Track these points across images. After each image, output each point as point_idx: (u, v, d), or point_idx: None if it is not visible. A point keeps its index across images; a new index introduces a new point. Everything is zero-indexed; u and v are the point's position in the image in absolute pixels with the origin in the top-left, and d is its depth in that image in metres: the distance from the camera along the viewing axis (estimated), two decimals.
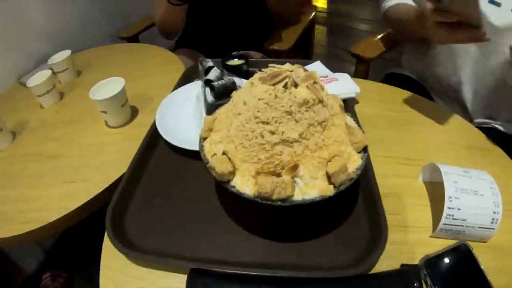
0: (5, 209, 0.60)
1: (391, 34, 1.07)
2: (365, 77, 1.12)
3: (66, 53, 0.96)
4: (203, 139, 0.45)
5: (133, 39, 1.32)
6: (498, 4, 0.70)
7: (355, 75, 1.12)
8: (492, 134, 0.66)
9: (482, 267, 0.41)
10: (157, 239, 0.45)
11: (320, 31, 3.51)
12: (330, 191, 0.37)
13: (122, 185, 0.51)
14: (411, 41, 0.98)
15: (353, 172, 0.40)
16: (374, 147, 0.56)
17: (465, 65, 0.79)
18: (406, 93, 0.75)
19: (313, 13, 1.41)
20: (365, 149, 0.43)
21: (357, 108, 0.70)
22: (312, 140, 0.37)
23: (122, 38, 1.32)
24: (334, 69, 0.79)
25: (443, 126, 0.67)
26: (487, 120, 0.82)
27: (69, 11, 1.31)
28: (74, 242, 1.35)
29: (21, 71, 1.11)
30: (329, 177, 0.38)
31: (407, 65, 1.01)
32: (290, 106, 0.36)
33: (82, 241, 1.34)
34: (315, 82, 0.38)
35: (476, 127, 0.68)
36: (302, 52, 1.51)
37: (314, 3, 4.62)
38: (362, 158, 0.42)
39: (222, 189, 0.48)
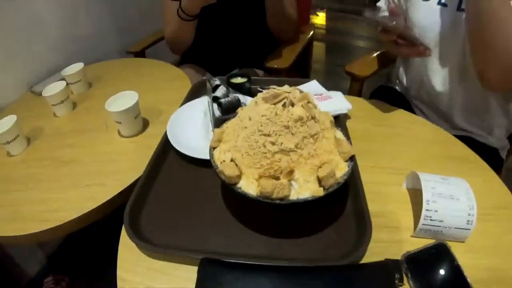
0: (23, 209, 0.66)
1: (386, 52, 1.16)
2: (359, 92, 1.21)
3: (79, 65, 1.04)
4: (213, 148, 0.52)
5: (140, 53, 1.41)
6: (445, 5, 0.81)
7: (349, 91, 1.21)
8: (473, 145, 0.74)
9: (459, 263, 0.46)
10: (169, 234, 0.52)
11: (319, 48, 3.64)
12: (320, 192, 0.45)
13: (138, 187, 0.58)
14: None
15: (341, 177, 0.48)
16: (363, 158, 0.63)
17: (437, 74, 0.88)
18: (393, 109, 0.84)
19: (311, 32, 1.50)
20: (352, 158, 0.51)
21: (349, 122, 0.78)
22: (305, 150, 0.45)
23: (130, 52, 1.41)
24: (331, 85, 0.87)
25: (426, 138, 0.75)
26: (469, 131, 0.90)
27: (81, 24, 1.40)
28: (76, 248, 1.40)
29: (32, 80, 1.19)
30: (319, 180, 0.46)
31: (394, 79, 1.11)
32: (288, 121, 0.44)
33: (84, 246, 1.40)
34: (308, 102, 0.46)
35: (458, 137, 0.76)
36: (301, 69, 1.59)
37: (314, 21, 4.77)
38: (348, 166, 0.50)
39: (227, 192, 0.56)
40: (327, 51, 3.64)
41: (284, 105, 0.46)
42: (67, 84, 1.00)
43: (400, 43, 0.74)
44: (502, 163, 0.94)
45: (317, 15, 4.78)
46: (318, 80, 0.91)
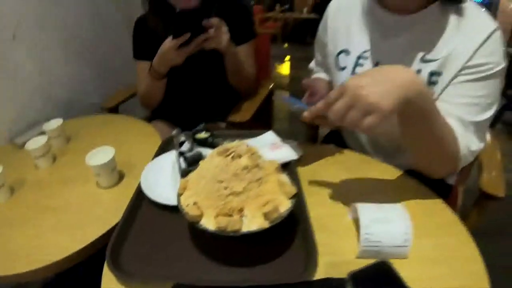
0: (10, 249, 0.75)
1: None
2: (315, 137, 1.37)
3: (59, 121, 1.16)
4: (179, 194, 0.65)
5: (114, 109, 1.55)
6: (344, 68, 0.99)
7: (306, 137, 1.37)
8: (419, 175, 0.86)
9: (401, 276, 0.53)
10: (147, 266, 0.62)
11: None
12: (266, 225, 0.58)
13: (118, 228, 0.68)
14: None
15: (284, 211, 0.61)
16: (313, 195, 0.77)
17: None
18: (340, 150, 1.00)
19: (271, 85, 1.69)
20: (295, 196, 0.65)
21: (301, 165, 0.91)
22: (252, 191, 0.59)
23: (104, 108, 1.55)
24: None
25: (372, 174, 0.89)
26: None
27: (59, 81, 1.57)
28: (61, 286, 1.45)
29: (12, 133, 1.30)
30: (265, 215, 0.59)
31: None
32: (236, 170, 0.58)
33: (69, 284, 1.45)
34: (253, 154, 0.60)
35: (406, 171, 0.90)
36: (263, 119, 1.73)
37: (278, 70, 5.11)
38: (291, 203, 0.63)
39: (193, 229, 0.67)
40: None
41: (233, 157, 0.60)
42: (48, 138, 1.09)
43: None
44: (450, 188, 1.09)
45: (282, 64, 5.14)
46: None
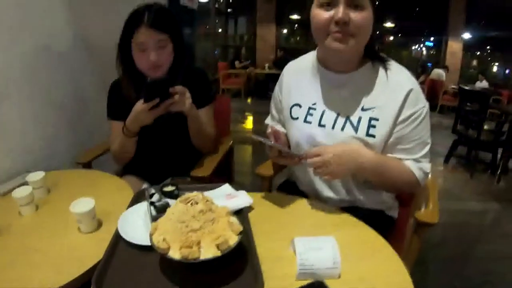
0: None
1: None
2: (269, 187, 1.58)
3: (41, 173, 1.30)
4: (151, 234, 0.85)
5: (87, 164, 1.72)
6: (309, 122, 1.21)
7: (261, 187, 1.58)
8: (357, 211, 1.13)
9: None
10: None
11: (246, 151, 4.22)
12: (218, 253, 0.79)
13: (101, 263, 0.85)
14: None
15: (233, 244, 0.82)
16: (263, 233, 0.97)
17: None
18: (290, 197, 1.23)
19: (230, 142, 1.93)
20: (241, 233, 0.86)
21: (254, 210, 1.14)
22: (207, 229, 0.80)
23: (78, 163, 1.72)
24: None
25: (314, 214, 1.12)
26: (353, 202, 1.25)
27: (40, 136, 1.75)
28: None
29: None
30: (217, 246, 0.79)
31: (290, 175, 1.51)
32: (194, 213, 0.80)
33: None
34: (207, 201, 0.83)
35: (345, 207, 1.14)
36: (225, 173, 1.94)
37: (243, 125, 5.42)
38: (239, 238, 0.84)
39: (163, 259, 0.86)
40: (253, 153, 4.24)
41: (191, 204, 0.82)
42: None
43: (283, 155, 1.15)
44: (394, 220, 1.34)
45: (245, 120, 5.51)
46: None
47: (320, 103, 1.22)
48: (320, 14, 1.04)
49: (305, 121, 1.23)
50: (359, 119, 1.13)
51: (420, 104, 1.11)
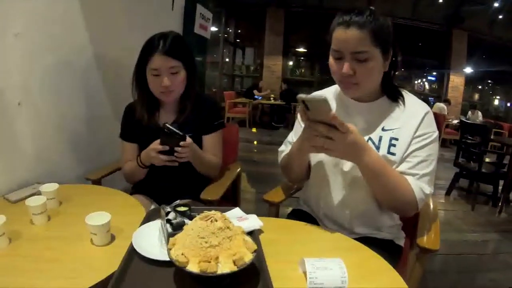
0: None
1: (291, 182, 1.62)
2: (277, 214, 1.63)
3: (55, 185, 1.36)
4: (169, 249, 0.90)
5: (97, 181, 1.78)
6: None
7: (268, 214, 1.64)
8: (368, 241, 1.18)
9: None
10: None
11: (250, 179, 4.37)
12: (235, 268, 0.84)
13: (114, 278, 0.89)
14: (298, 182, 1.57)
15: (248, 260, 0.87)
16: (272, 254, 1.02)
17: (335, 194, 1.33)
18: (299, 223, 1.30)
19: (238, 169, 2.00)
20: (255, 251, 0.91)
21: (264, 233, 1.19)
22: (225, 245, 0.86)
23: (88, 179, 1.78)
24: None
25: (323, 239, 1.18)
26: (363, 234, 1.33)
27: (54, 148, 1.83)
28: None
29: (4, 190, 1.49)
30: (234, 262, 0.84)
31: (302, 202, 1.57)
32: (213, 230, 0.86)
33: None
34: (225, 219, 0.89)
35: (358, 238, 1.20)
36: (232, 198, 2.03)
37: (249, 154, 5.54)
38: (253, 255, 0.89)
39: (180, 274, 0.91)
40: (255, 181, 4.36)
41: (211, 221, 0.88)
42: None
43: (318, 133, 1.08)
44: (401, 249, 1.41)
45: (251, 148, 5.65)
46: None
47: None
48: (332, 65, 1.22)
49: None
50: (380, 138, 1.25)
51: (433, 127, 1.25)
